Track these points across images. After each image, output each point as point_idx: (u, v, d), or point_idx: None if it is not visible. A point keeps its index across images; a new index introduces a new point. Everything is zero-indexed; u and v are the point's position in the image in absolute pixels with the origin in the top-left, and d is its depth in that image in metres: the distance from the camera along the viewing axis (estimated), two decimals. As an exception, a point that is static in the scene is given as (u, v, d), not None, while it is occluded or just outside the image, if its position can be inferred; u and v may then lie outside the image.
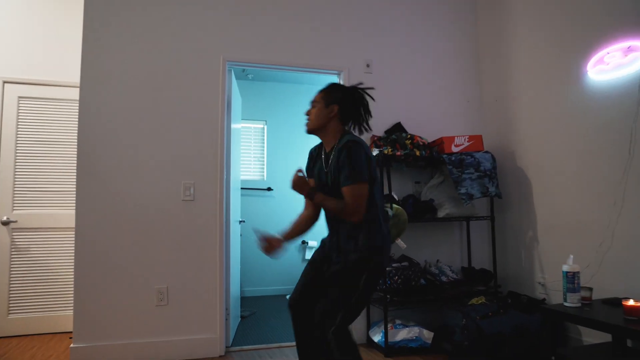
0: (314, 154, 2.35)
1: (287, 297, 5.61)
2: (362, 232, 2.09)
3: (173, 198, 3.25)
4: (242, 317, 4.39)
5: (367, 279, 2.06)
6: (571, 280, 2.57)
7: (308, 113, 2.24)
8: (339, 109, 2.19)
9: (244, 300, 5.13)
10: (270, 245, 2.19)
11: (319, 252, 2.31)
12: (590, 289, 2.64)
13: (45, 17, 3.94)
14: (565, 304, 2.59)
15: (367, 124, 2.26)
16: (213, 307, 3.28)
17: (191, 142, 3.33)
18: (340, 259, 2.11)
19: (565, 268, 2.59)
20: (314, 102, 2.24)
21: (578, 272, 2.58)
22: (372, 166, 2.10)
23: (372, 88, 2.29)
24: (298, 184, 2.12)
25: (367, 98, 2.27)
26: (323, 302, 2.08)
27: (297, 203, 6.05)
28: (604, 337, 2.76)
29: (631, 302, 2.26)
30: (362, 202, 2.03)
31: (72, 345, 3.02)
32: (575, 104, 3.14)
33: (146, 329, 3.15)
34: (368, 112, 2.26)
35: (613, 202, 2.85)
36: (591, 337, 2.97)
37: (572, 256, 2.64)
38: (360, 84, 2.28)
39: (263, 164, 5.95)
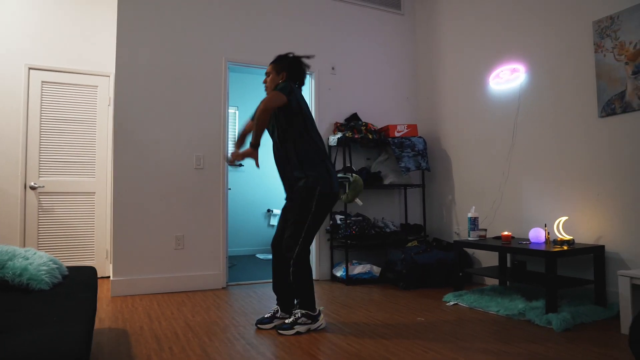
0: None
1: (256, 255, 6.68)
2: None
3: (188, 166, 4.22)
4: (226, 266, 5.41)
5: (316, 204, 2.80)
6: (473, 222, 3.88)
7: (265, 81, 3.04)
8: (287, 74, 2.96)
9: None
10: (242, 155, 2.81)
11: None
12: (485, 230, 3.97)
13: (66, 9, 4.68)
14: (469, 238, 3.90)
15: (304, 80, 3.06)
16: (217, 251, 4.31)
17: (201, 123, 4.29)
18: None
19: (469, 215, 3.89)
20: (268, 73, 3.02)
21: (477, 217, 3.89)
22: None
23: (312, 56, 3.14)
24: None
25: (305, 61, 3.07)
26: (288, 229, 2.82)
27: (263, 176, 7.08)
28: (495, 263, 4.12)
29: (505, 233, 3.59)
30: None
31: (112, 278, 3.94)
32: (481, 103, 4.46)
33: (168, 266, 4.12)
34: (305, 73, 3.06)
35: (502, 172, 4.20)
36: (488, 263, 4.34)
37: (473, 207, 3.95)
38: (307, 57, 3.08)
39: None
